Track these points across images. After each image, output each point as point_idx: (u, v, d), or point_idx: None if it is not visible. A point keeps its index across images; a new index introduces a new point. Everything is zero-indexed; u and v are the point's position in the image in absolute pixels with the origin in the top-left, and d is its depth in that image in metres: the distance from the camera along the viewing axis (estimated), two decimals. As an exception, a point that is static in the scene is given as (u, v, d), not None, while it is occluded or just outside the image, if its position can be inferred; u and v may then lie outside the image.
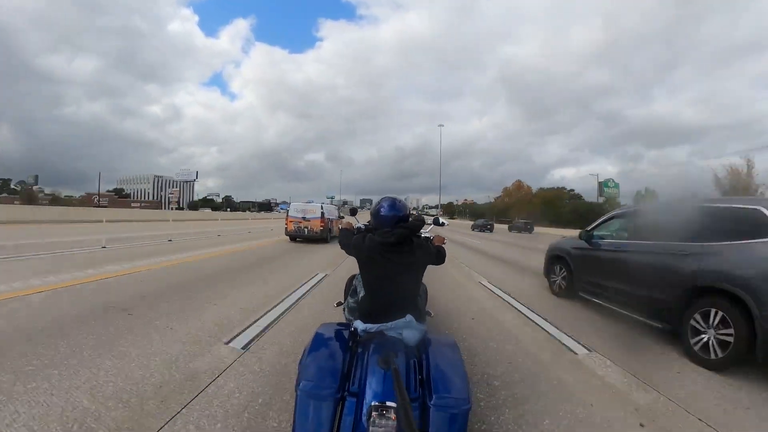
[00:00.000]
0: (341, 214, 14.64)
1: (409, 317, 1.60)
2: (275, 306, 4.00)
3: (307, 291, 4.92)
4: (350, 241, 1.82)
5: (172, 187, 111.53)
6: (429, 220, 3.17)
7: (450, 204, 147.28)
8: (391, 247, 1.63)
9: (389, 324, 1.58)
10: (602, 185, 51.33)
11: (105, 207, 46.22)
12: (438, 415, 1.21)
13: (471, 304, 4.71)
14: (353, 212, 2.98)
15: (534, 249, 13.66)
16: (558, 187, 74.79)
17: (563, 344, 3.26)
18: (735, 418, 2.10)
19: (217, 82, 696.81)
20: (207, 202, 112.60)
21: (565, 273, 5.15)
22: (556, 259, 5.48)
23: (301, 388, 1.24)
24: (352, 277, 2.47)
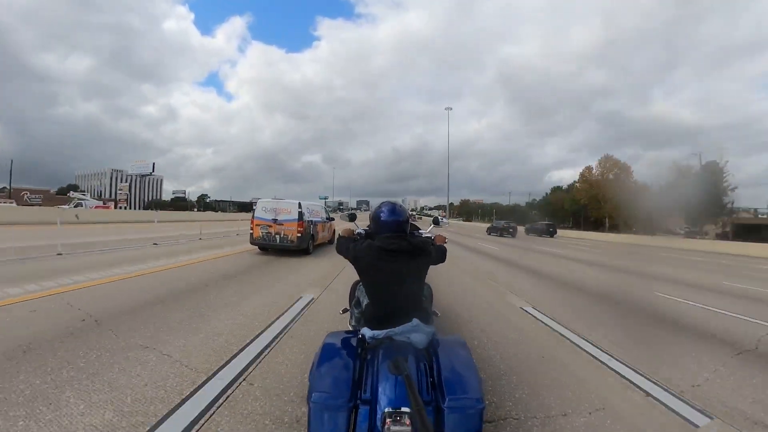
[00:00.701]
0: (327, 216, 12.03)
1: (415, 320, 1.58)
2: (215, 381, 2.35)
3: (287, 326, 3.55)
4: (349, 248, 1.81)
5: (123, 182, 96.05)
6: (428, 221, 3.04)
7: (467, 201, 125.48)
8: (392, 249, 1.64)
9: (397, 329, 1.55)
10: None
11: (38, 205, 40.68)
12: (452, 417, 1.21)
13: (524, 345, 3.42)
14: (352, 218, 2.90)
15: (577, 260, 11.94)
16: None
17: (676, 413, 2.28)
18: None
19: (213, 82, 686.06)
20: (180, 200, 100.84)
21: None
22: None
23: (314, 399, 1.24)
24: (355, 284, 2.46)
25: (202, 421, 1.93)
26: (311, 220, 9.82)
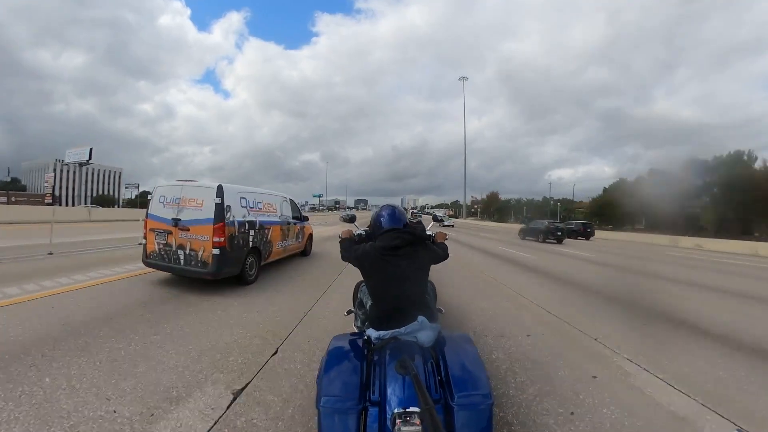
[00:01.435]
0: (296, 215, 8.09)
1: (421, 319, 1.58)
2: None
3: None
4: (351, 251, 1.85)
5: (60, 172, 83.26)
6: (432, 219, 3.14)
7: (494, 195, 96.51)
8: (394, 251, 1.66)
9: (402, 329, 1.55)
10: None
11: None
12: (462, 414, 1.22)
13: None
14: (352, 219, 2.79)
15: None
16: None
17: None
18: None
19: (210, 79, 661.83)
20: (144, 197, 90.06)
21: None
22: None
23: (323, 404, 1.23)
24: (358, 286, 2.45)
25: None
26: (254, 222, 5.78)
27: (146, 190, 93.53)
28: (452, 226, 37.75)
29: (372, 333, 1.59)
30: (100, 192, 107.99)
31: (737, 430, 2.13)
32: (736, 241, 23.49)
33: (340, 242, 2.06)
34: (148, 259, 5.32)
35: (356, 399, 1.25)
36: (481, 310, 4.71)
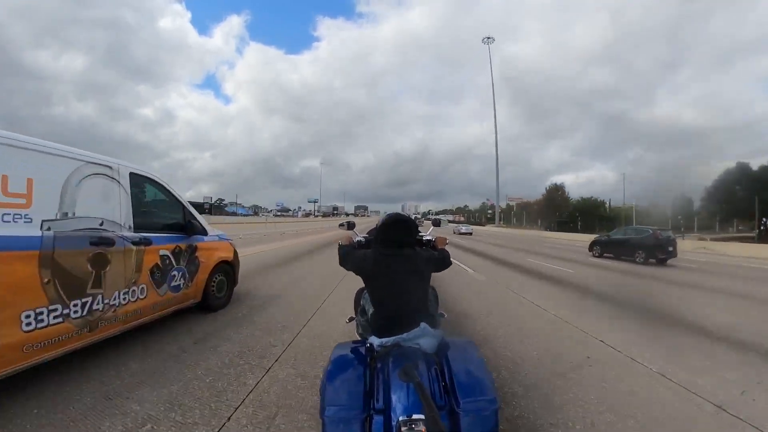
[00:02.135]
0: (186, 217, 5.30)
1: (423, 325, 1.57)
2: None
3: None
4: (350, 257, 1.87)
5: None
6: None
7: (555, 191, 67.62)
8: (393, 255, 1.69)
9: (405, 335, 1.55)
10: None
11: None
12: (468, 420, 1.22)
13: None
14: (351, 226, 2.83)
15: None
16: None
17: None
18: None
19: (211, 84, 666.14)
20: None
21: None
22: None
23: (327, 414, 1.24)
24: (359, 292, 2.45)
25: None
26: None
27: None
28: (470, 233, 34.65)
29: (375, 340, 1.59)
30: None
31: None
32: None
33: (338, 249, 2.06)
34: None
35: (361, 407, 1.26)
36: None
